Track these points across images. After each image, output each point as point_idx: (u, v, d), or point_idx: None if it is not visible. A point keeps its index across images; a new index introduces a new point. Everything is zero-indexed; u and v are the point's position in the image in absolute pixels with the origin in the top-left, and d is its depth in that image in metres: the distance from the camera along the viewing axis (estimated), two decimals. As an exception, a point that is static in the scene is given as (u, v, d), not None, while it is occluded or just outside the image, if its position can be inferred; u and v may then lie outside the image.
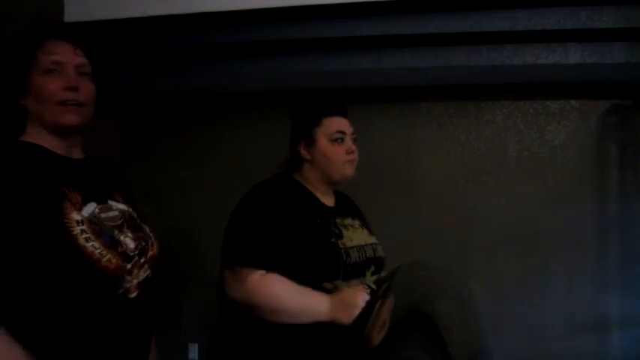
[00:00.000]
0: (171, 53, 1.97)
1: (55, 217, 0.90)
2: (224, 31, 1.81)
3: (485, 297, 1.27)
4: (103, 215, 0.97)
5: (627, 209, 2.02)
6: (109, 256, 0.93)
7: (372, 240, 1.39)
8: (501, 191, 2.09)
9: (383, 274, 1.35)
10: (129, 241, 0.98)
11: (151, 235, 1.07)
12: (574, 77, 1.99)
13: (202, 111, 2.41)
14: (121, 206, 1.05)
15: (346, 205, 1.47)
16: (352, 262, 1.26)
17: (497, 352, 1.07)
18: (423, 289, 1.15)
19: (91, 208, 0.95)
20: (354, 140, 1.40)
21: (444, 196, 2.13)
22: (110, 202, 1.02)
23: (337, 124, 1.37)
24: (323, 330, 1.18)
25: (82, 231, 0.91)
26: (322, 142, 1.35)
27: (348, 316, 1.15)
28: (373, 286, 1.23)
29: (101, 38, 1.87)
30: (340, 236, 1.30)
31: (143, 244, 1.03)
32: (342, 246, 1.27)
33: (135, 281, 0.98)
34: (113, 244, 0.95)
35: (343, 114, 1.40)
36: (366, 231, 1.42)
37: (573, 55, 1.80)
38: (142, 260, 1.00)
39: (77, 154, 1.04)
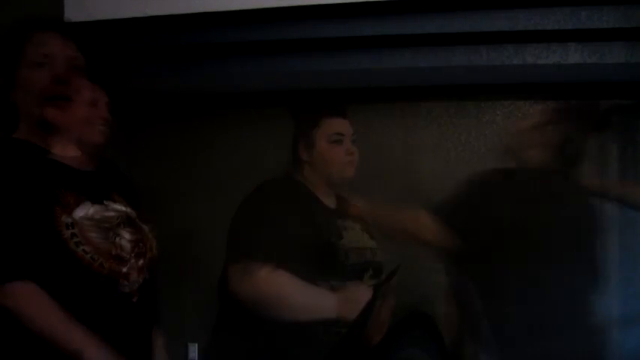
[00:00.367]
0: (171, 53, 1.97)
1: (46, 222, 0.89)
2: (224, 31, 1.81)
3: (485, 297, 1.27)
4: (97, 216, 0.96)
5: (627, 209, 2.01)
6: (100, 260, 0.92)
7: (371, 244, 1.40)
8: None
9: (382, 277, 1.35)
10: (124, 243, 0.97)
11: (150, 236, 1.06)
12: (574, 77, 1.99)
13: (202, 111, 2.41)
14: (119, 207, 1.03)
15: (347, 208, 1.47)
16: (351, 264, 1.26)
17: (498, 352, 1.07)
18: (423, 289, 1.16)
19: (84, 209, 0.94)
20: (354, 141, 1.40)
21: (444, 196, 2.13)
22: (106, 203, 1.01)
23: (336, 125, 1.37)
24: (324, 329, 1.18)
25: (72, 235, 0.90)
26: (321, 143, 1.35)
27: (354, 313, 1.15)
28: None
29: (101, 38, 1.87)
30: (340, 237, 1.30)
31: (141, 245, 1.01)
32: (341, 246, 1.27)
33: (136, 284, 0.97)
34: (106, 247, 0.94)
35: (342, 115, 1.40)
36: (366, 235, 1.42)
37: (573, 55, 1.80)
38: (141, 262, 0.99)
39: (72, 151, 1.04)
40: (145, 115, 2.47)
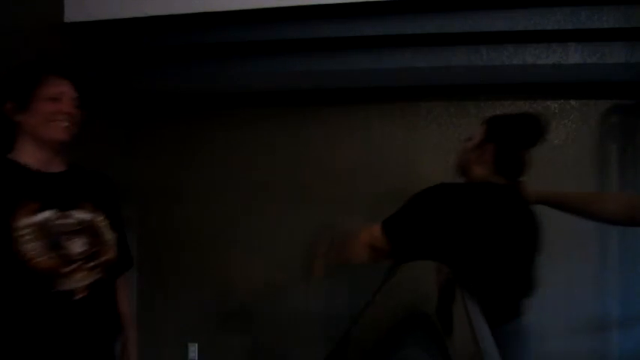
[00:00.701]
0: (171, 53, 1.97)
1: (2, 222, 1.01)
2: (224, 31, 1.81)
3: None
4: (57, 222, 1.08)
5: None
6: (45, 257, 1.03)
7: None
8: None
9: None
10: (74, 246, 1.09)
11: (108, 241, 1.17)
12: (574, 77, 1.99)
13: (202, 111, 2.41)
14: (84, 215, 1.14)
15: None
16: None
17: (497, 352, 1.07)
18: (423, 289, 1.15)
19: (45, 215, 1.07)
20: None
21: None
22: (71, 212, 1.12)
23: None
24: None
25: (27, 234, 1.03)
26: None
27: None
28: None
29: (100, 38, 1.87)
30: None
31: (95, 249, 1.12)
32: None
33: (82, 283, 1.08)
34: (55, 247, 1.06)
35: None
36: None
37: (573, 55, 1.80)
38: (92, 264, 1.11)
39: (57, 166, 1.16)
40: (145, 115, 2.48)
